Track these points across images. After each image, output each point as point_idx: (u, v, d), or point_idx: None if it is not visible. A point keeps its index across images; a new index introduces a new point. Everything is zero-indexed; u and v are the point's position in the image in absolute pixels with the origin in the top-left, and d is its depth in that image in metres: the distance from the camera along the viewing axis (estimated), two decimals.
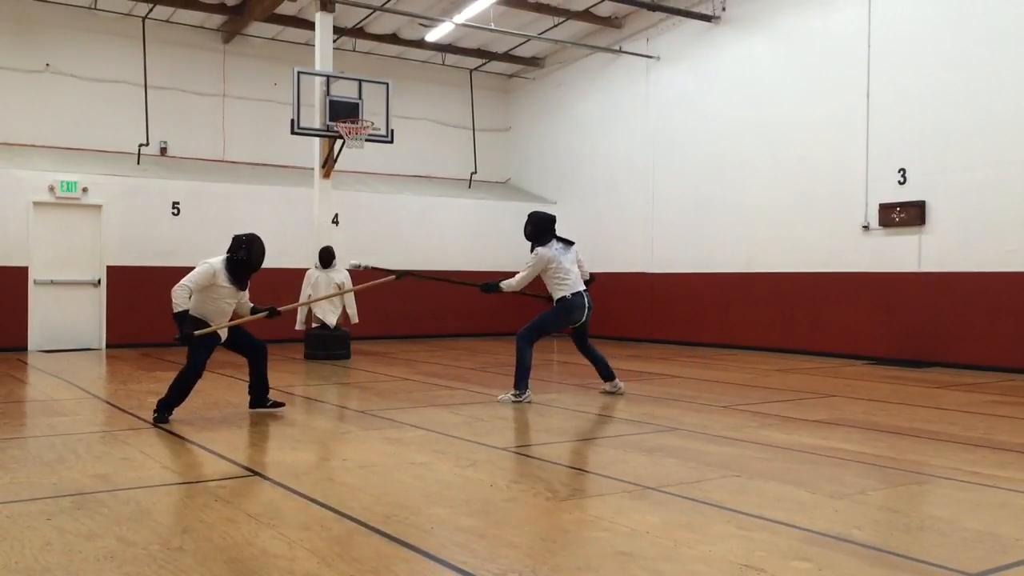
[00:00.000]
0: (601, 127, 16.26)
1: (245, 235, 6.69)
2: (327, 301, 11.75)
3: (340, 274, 11.92)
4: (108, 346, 13.30)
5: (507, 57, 17.26)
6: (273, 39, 15.62)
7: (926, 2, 11.07)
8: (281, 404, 7.09)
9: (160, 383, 8.90)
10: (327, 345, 11.78)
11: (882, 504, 4.24)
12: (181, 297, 6.36)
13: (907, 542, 3.60)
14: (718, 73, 13.91)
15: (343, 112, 12.13)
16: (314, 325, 12.02)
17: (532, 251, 7.72)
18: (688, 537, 3.56)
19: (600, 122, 16.28)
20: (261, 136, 15.46)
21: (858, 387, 8.81)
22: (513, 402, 7.48)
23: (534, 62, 17.52)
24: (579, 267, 7.88)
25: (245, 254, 6.56)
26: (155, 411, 6.48)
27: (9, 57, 13.79)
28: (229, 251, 6.65)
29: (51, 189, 13.02)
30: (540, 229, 7.74)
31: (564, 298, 7.65)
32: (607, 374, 8.06)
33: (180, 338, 6.40)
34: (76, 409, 7.25)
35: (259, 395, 6.99)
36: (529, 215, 7.89)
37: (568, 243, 7.85)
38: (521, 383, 7.56)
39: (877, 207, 11.47)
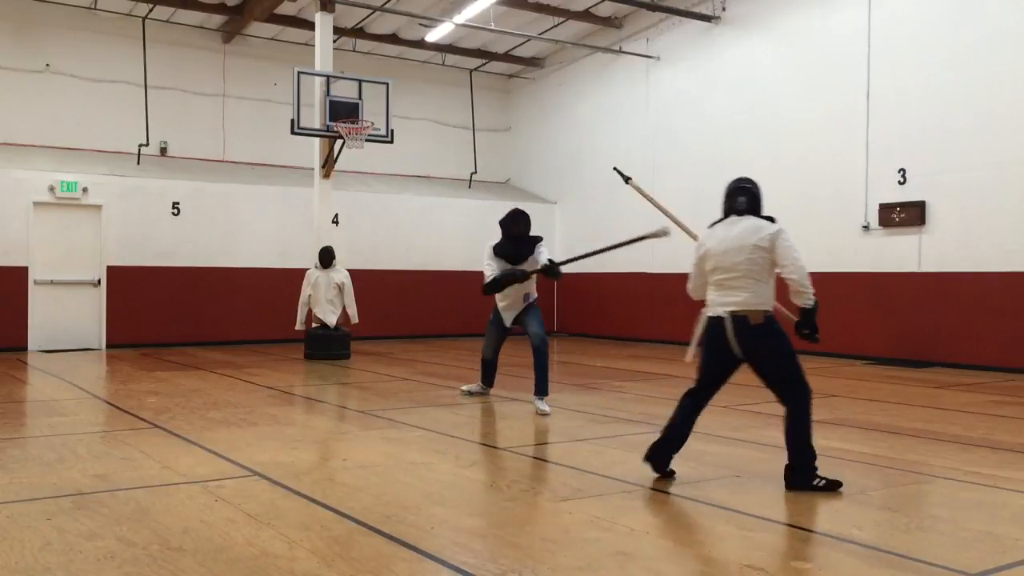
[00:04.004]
0: (601, 127, 16.24)
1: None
2: (326, 301, 11.73)
3: (340, 274, 11.91)
4: (108, 346, 13.29)
5: (507, 57, 17.25)
6: (273, 39, 15.62)
7: (926, 2, 11.07)
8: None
9: (160, 383, 8.92)
10: (327, 345, 11.77)
11: (882, 504, 4.23)
12: None
13: (907, 542, 3.60)
14: (718, 73, 13.90)
15: (343, 112, 12.12)
16: (314, 325, 12.01)
17: (538, 243, 7.86)
18: (688, 537, 3.56)
19: (600, 122, 16.27)
20: (261, 136, 15.45)
21: (858, 387, 8.80)
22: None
23: (534, 62, 17.51)
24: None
25: None
26: (810, 478, 4.32)
27: (9, 57, 13.78)
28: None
29: (51, 189, 13.01)
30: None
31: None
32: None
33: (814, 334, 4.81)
34: (76, 409, 7.25)
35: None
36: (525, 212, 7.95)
37: None
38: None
39: (877, 207, 11.46)
